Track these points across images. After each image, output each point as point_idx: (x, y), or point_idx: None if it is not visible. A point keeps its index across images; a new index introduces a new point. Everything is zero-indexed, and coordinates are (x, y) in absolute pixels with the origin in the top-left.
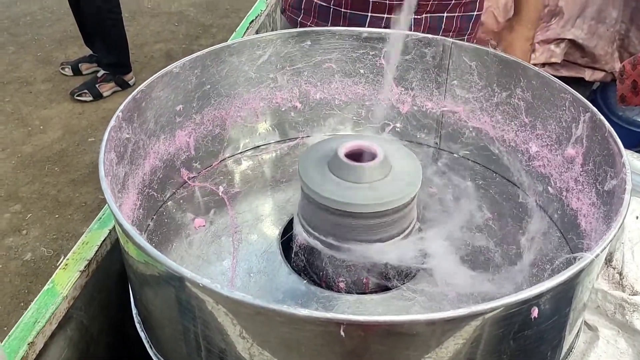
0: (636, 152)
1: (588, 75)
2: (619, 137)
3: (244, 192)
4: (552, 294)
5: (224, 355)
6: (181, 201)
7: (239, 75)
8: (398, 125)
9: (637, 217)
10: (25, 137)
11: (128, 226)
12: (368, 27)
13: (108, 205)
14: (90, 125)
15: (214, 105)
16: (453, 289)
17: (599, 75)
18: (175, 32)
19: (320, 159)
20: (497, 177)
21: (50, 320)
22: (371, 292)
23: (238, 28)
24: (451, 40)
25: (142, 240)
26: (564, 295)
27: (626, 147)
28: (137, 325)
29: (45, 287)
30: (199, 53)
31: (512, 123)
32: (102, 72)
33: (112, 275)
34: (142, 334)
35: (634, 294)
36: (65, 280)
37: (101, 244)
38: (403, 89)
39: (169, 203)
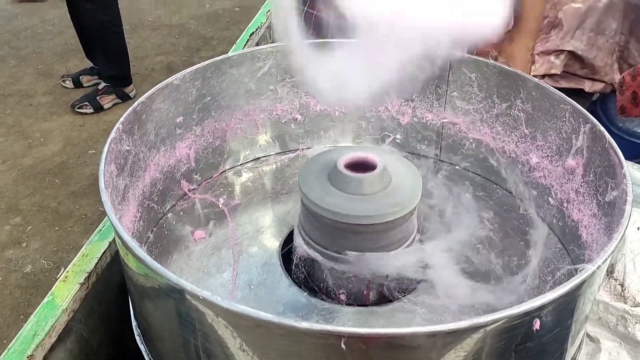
0: (636, 163)
1: (588, 86)
2: (619, 148)
3: (244, 204)
4: (554, 305)
5: None
6: (181, 213)
7: (239, 87)
8: (398, 136)
9: (638, 228)
10: (25, 149)
11: (128, 238)
12: None
13: (108, 217)
14: (91, 138)
15: (214, 117)
16: (454, 300)
17: (598, 86)
18: (176, 44)
19: (320, 171)
20: (498, 188)
21: (49, 333)
22: (372, 304)
23: (238, 40)
24: None
25: (142, 252)
26: (566, 307)
27: (626, 158)
28: (137, 338)
29: (45, 300)
30: (199, 65)
31: (513, 134)
32: (103, 84)
33: (112, 287)
34: (142, 347)
35: (636, 306)
36: (65, 293)
37: (101, 256)
38: (403, 101)
39: (169, 215)
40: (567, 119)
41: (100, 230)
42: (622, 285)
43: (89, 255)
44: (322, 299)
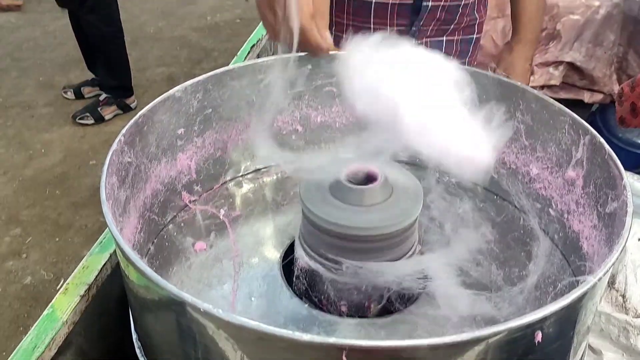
0: (636, 173)
1: (587, 97)
2: (619, 159)
3: (245, 215)
4: (556, 317)
5: None
6: (182, 224)
7: (240, 99)
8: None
9: (639, 239)
10: (26, 160)
11: (129, 250)
12: None
13: (109, 229)
14: (92, 149)
15: (215, 129)
16: (455, 312)
17: (597, 97)
18: (177, 56)
19: (321, 182)
20: (498, 199)
21: (49, 346)
22: (373, 316)
23: (239, 52)
24: None
25: (142, 264)
26: (568, 319)
27: (626, 168)
28: (137, 351)
29: (45, 312)
30: (200, 77)
31: (512, 145)
32: (104, 95)
33: (113, 299)
34: None
35: (637, 317)
36: (65, 305)
37: (101, 268)
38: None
39: (169, 226)
40: (566, 131)
41: (101, 242)
42: (623, 296)
43: (89, 268)
44: (323, 311)
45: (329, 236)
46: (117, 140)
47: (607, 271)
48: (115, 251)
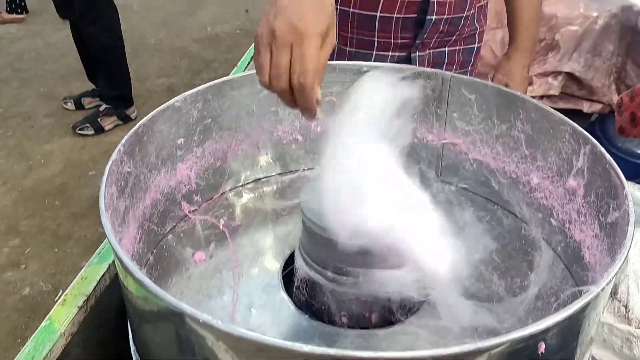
0: (637, 183)
1: (586, 107)
2: (619, 169)
3: (245, 225)
4: (559, 328)
5: None
6: (181, 235)
7: (240, 109)
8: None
9: None
10: (26, 171)
11: (128, 261)
12: None
13: (108, 239)
14: (92, 159)
15: (215, 139)
16: (457, 322)
17: (596, 107)
18: (177, 67)
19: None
20: (499, 209)
21: (47, 358)
22: (374, 327)
23: (239, 62)
24: (450, 73)
25: (141, 275)
26: (571, 330)
27: (626, 178)
28: None
29: (43, 324)
30: (200, 87)
31: (513, 155)
32: (104, 106)
33: (111, 310)
34: None
35: None
36: (63, 317)
37: (100, 279)
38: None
39: (169, 237)
40: (567, 140)
41: (100, 252)
42: (626, 306)
43: (87, 278)
44: (323, 322)
45: (329, 246)
46: (116, 150)
47: (610, 281)
48: (114, 262)
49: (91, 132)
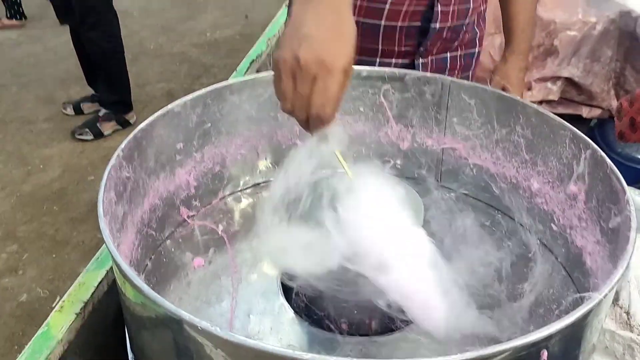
0: (637, 188)
1: (585, 112)
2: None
3: (244, 231)
4: (561, 335)
5: None
6: (180, 240)
7: (239, 114)
8: (399, 162)
9: None
10: (25, 175)
11: (126, 267)
12: None
13: (106, 245)
14: (91, 164)
15: (214, 143)
16: (458, 330)
17: (596, 112)
18: (177, 72)
19: (321, 197)
20: (500, 214)
21: None
22: (375, 334)
23: (239, 67)
24: (450, 78)
25: (139, 281)
26: (573, 337)
27: (626, 183)
28: None
29: (40, 331)
30: (200, 92)
31: (513, 160)
32: (103, 111)
33: (109, 317)
34: None
35: None
36: (60, 323)
37: (98, 285)
38: (403, 126)
39: (167, 242)
40: (567, 145)
41: (98, 258)
42: (627, 313)
43: (85, 284)
44: (323, 329)
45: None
46: (115, 155)
47: (612, 288)
48: (112, 268)
49: (90, 137)
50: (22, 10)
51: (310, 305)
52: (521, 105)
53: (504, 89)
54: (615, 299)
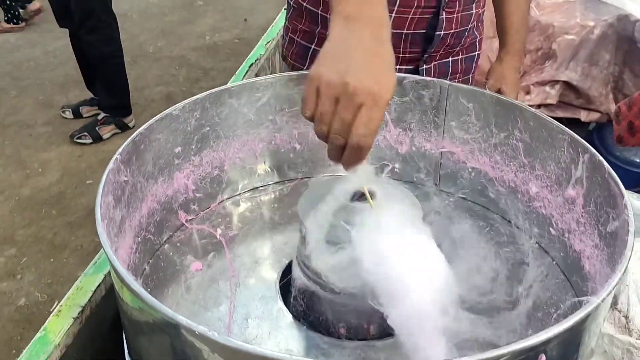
0: (635, 192)
1: (584, 116)
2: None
3: (242, 235)
4: (560, 339)
5: None
6: (178, 244)
7: (238, 118)
8: (397, 166)
9: None
10: (23, 179)
11: (123, 271)
12: None
13: (104, 249)
14: (89, 168)
15: (213, 147)
16: (456, 334)
17: (594, 116)
18: (175, 75)
19: (320, 201)
20: (498, 218)
21: None
22: (373, 338)
23: (237, 71)
24: (448, 82)
25: (137, 285)
26: (572, 341)
27: (625, 187)
28: None
29: (37, 335)
30: (198, 95)
31: (511, 164)
32: (102, 114)
33: (106, 322)
34: None
35: None
36: (58, 328)
37: (95, 290)
38: (401, 130)
39: (165, 246)
40: (565, 149)
41: (96, 262)
42: (626, 317)
43: (83, 289)
44: (321, 333)
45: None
46: (113, 158)
47: (611, 292)
48: (109, 272)
49: (89, 140)
50: (18, 14)
51: (308, 310)
52: (519, 109)
53: (499, 92)
54: (614, 303)
